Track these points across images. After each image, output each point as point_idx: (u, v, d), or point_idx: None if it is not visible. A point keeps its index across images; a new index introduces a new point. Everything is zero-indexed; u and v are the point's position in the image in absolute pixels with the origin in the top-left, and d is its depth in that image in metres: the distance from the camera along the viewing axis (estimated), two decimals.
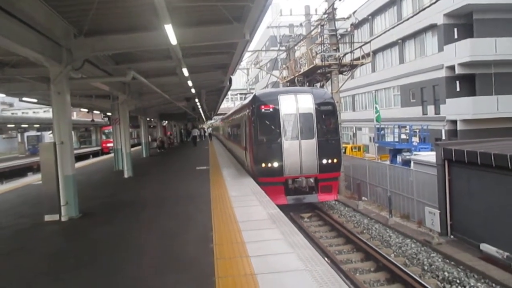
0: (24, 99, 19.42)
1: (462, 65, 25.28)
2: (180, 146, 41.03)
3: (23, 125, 45.15)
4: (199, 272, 5.63)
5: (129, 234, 7.99)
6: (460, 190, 11.99)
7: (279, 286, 4.98)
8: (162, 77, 16.89)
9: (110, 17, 9.10)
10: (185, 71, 13.71)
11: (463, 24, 26.08)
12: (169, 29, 8.00)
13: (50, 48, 8.64)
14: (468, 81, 25.92)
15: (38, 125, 46.65)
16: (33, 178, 19.43)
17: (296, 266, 5.55)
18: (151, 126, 42.03)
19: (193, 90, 20.51)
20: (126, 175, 16.71)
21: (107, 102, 20.73)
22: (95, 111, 32.00)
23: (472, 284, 9.13)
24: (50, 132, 47.81)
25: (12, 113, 68.12)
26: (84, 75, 11.03)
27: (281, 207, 9.92)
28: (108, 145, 39.51)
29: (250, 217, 8.55)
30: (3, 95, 18.84)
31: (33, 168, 32.30)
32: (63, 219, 9.09)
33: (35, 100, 20.24)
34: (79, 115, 54.98)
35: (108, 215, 9.86)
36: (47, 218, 9.14)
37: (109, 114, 26.52)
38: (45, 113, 62.44)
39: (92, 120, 41.03)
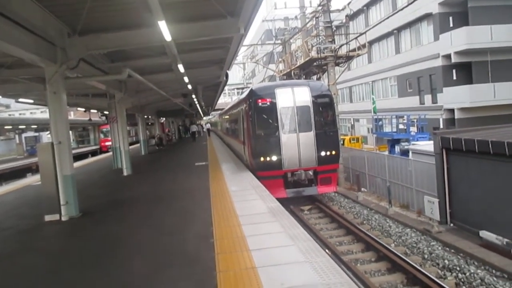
0: (21, 100, 19.38)
1: (458, 53, 25.26)
2: (178, 143, 41.03)
3: (20, 126, 45.07)
4: (201, 267, 5.66)
5: (130, 232, 8.03)
6: (459, 178, 12.04)
7: (280, 278, 5.00)
8: (158, 74, 16.84)
9: (103, 15, 9.06)
10: (181, 67, 13.68)
11: (458, 13, 26.01)
12: (163, 25, 7.97)
13: (44, 48, 8.61)
14: (465, 70, 25.92)
15: (35, 126, 46.58)
16: (32, 179, 19.43)
17: (297, 258, 5.59)
18: (149, 124, 42.01)
19: (189, 86, 20.49)
20: (125, 173, 16.72)
21: (104, 101, 20.68)
22: (92, 110, 31.94)
23: (472, 271, 9.20)
24: (48, 132, 47.74)
25: (9, 115, 67.99)
26: (79, 74, 11.02)
27: (281, 201, 9.95)
28: (107, 143, 39.44)
29: (250, 211, 8.57)
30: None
31: (32, 169, 32.27)
32: (63, 218, 9.12)
33: (32, 101, 20.19)
34: (76, 114, 54.94)
35: (108, 214, 9.88)
36: (48, 218, 9.18)
37: (106, 112, 26.50)
38: (42, 113, 62.30)
39: (90, 119, 40.97)
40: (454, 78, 26.36)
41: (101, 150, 43.95)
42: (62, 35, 9.17)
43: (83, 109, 30.00)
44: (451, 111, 26.05)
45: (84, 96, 20.94)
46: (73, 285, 5.61)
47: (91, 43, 9.68)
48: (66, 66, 9.23)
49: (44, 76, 9.27)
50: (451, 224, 12.16)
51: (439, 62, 26.91)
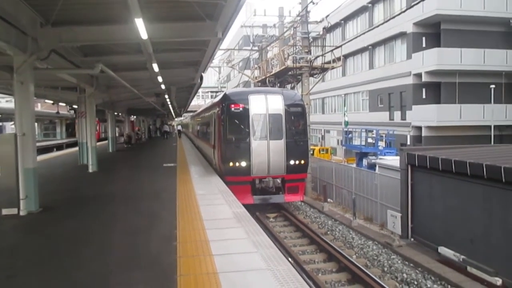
0: None
1: (429, 73, 26.06)
2: (148, 142, 40.48)
3: None
4: (162, 269, 5.59)
5: (91, 230, 7.83)
6: (422, 195, 12.35)
7: (241, 285, 5.00)
8: (132, 71, 16.59)
9: (79, 7, 8.88)
10: (155, 67, 13.52)
11: (432, 34, 26.88)
12: (139, 23, 7.88)
13: (14, 36, 8.33)
14: (434, 89, 26.75)
15: None
16: None
17: (259, 265, 5.59)
18: (119, 121, 41.31)
19: (163, 86, 20.25)
20: (90, 170, 16.34)
21: (73, 95, 20.20)
22: (60, 103, 31.12)
23: (429, 285, 9.44)
24: (12, 123, 46.11)
25: None
26: (50, 65, 10.73)
27: (247, 207, 9.95)
28: None
29: (215, 215, 8.53)
30: None
31: None
32: (21, 213, 8.81)
33: None
34: (43, 106, 53.33)
35: (70, 210, 9.63)
36: (5, 212, 8.86)
37: (75, 106, 25.88)
38: (7, 103, 60.17)
39: (57, 112, 39.93)
40: (424, 96, 27.15)
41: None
42: (34, 25, 8.93)
43: (51, 102, 29.17)
44: (419, 128, 26.77)
45: (53, 88, 20.39)
46: (25, 283, 5.39)
47: (64, 35, 9.47)
48: (36, 56, 8.99)
49: (12, 64, 8.99)
50: (412, 239, 12.44)
51: (410, 80, 27.66)
